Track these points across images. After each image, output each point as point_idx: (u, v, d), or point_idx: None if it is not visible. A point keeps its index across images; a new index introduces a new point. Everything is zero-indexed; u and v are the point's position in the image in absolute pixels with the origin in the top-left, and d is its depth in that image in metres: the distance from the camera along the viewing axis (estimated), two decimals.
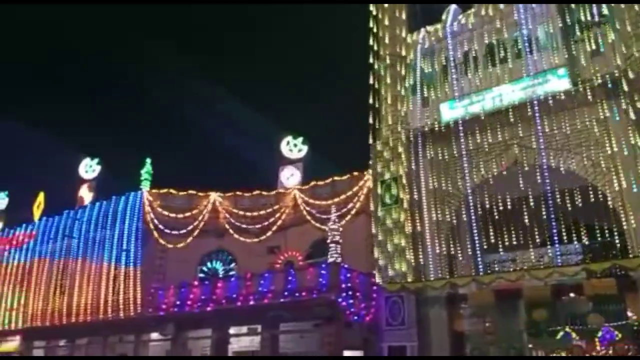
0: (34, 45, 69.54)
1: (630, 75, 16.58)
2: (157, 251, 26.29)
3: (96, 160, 30.16)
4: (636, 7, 17.09)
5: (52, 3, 57.60)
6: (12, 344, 29.45)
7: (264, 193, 26.37)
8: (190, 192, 26.98)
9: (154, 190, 27.04)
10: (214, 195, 26.64)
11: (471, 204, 18.76)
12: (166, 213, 26.34)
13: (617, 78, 16.85)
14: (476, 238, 18.38)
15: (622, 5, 17.43)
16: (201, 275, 26.62)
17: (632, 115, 16.31)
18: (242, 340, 23.15)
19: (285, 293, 20.73)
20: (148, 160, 27.63)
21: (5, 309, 30.30)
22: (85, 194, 29.61)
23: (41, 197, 31.99)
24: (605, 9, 17.93)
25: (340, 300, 19.54)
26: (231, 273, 26.31)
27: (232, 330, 22.74)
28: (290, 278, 21.08)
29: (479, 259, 18.31)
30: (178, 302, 23.37)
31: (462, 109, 19.83)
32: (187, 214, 26.29)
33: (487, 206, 18.69)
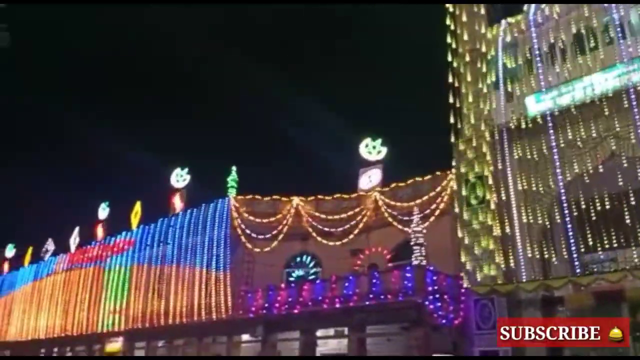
0: (125, 63, 74.43)
1: None
2: (245, 255, 27.24)
3: (186, 169, 31.76)
4: None
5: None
6: (115, 345, 31.68)
7: (345, 196, 26.57)
8: (274, 197, 27.75)
9: (239, 197, 28.07)
10: (296, 200, 27.22)
11: (565, 202, 17.77)
12: (252, 218, 27.26)
13: None
14: (572, 238, 17.38)
15: None
16: (288, 278, 27.21)
17: None
18: (329, 342, 23.44)
19: (371, 296, 20.73)
20: (234, 168, 28.76)
21: (108, 312, 32.68)
22: (177, 202, 31.26)
23: (138, 206, 34.16)
24: None
25: (427, 303, 19.25)
26: (315, 276, 26.68)
27: (319, 333, 23.08)
28: (374, 281, 21.06)
29: (576, 260, 17.31)
30: (266, 305, 24.04)
31: (550, 101, 18.89)
32: (272, 218, 27.06)
33: (583, 204, 17.62)
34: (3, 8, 11.83)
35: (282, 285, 24.65)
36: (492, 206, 19.09)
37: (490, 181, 19.39)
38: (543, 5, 20.25)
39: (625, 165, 16.98)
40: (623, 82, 17.28)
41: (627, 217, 16.77)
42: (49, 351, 38.00)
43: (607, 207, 17.10)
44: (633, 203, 16.59)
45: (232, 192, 28.23)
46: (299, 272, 27.30)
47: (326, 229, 26.18)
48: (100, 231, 36.84)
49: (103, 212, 37.23)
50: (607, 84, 17.71)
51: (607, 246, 17.43)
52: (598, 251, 17.57)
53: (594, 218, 17.30)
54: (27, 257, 43.46)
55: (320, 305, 22.19)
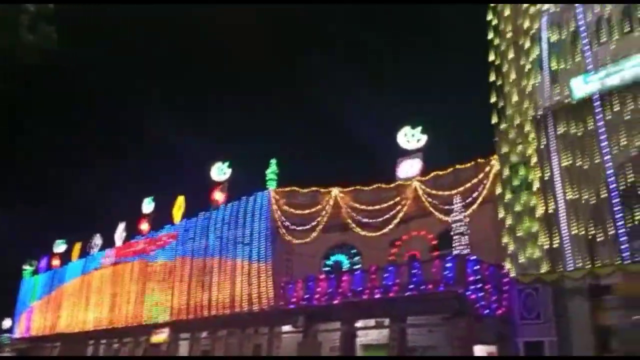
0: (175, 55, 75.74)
1: None
2: (285, 247, 27.42)
3: (227, 163, 32.19)
4: None
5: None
6: (161, 336, 32.48)
7: (384, 186, 26.32)
8: (313, 188, 27.80)
9: (279, 189, 28.27)
10: (335, 191, 27.16)
11: (613, 183, 16.99)
12: (291, 210, 27.41)
13: None
14: (619, 222, 16.60)
15: None
16: (326, 269, 27.23)
17: None
18: (370, 333, 23.32)
19: (411, 286, 20.48)
20: (273, 161, 28.95)
21: (154, 304, 33.54)
22: (218, 196, 31.74)
23: (181, 200, 34.88)
24: None
25: (468, 293, 18.86)
26: (356, 267, 26.60)
27: (359, 324, 22.99)
28: (415, 271, 20.80)
29: (624, 245, 16.50)
30: (306, 296, 24.14)
31: (597, 82, 18.02)
32: (311, 210, 27.11)
33: (632, 185, 16.81)
34: (52, 9, 12.13)
35: (322, 276, 24.66)
36: (536, 187, 18.47)
37: (535, 162, 18.78)
38: None
39: None
40: None
41: None
42: (97, 343, 39.38)
43: None
44: None
45: (272, 185, 28.46)
46: (338, 262, 27.23)
47: (365, 219, 26.02)
48: (144, 225, 37.83)
49: (148, 206, 38.20)
50: None
51: None
52: None
53: None
54: (75, 252, 45.16)
55: (360, 295, 22.09)
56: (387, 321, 21.76)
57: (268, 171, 28.66)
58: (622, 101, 17.27)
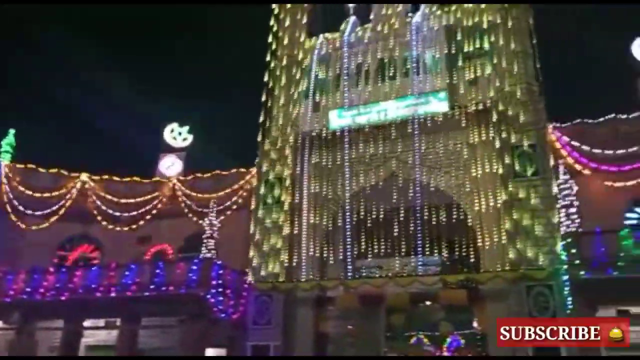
0: None
1: (500, 107, 18.16)
2: (12, 232, 23.85)
3: None
4: (512, 45, 18.77)
5: None
6: None
7: (140, 180, 25.05)
8: (58, 170, 24.88)
9: (13, 165, 24.55)
10: (83, 177, 24.79)
11: (347, 210, 19.35)
12: (26, 191, 24.04)
13: (489, 108, 18.39)
14: (348, 244, 18.96)
15: (501, 42, 19.01)
16: (61, 262, 24.54)
17: (497, 144, 17.90)
18: (97, 334, 21.83)
19: (152, 287, 19.83)
20: (12, 131, 25.04)
21: None
22: None
23: None
24: (486, 43, 19.49)
25: (209, 296, 19.09)
26: (95, 262, 24.58)
27: (87, 323, 21.37)
28: (158, 271, 20.20)
29: (349, 264, 18.89)
30: (28, 289, 21.37)
31: (349, 118, 20.44)
32: (51, 194, 24.20)
33: (362, 214, 19.41)
34: None
35: (51, 269, 22.12)
36: (286, 207, 19.87)
37: (288, 183, 20.24)
38: (358, 29, 21.88)
39: (401, 184, 19.14)
40: (411, 112, 19.45)
41: (395, 230, 18.91)
42: None
43: (381, 219, 19.11)
44: (402, 219, 18.78)
45: (5, 158, 24.56)
46: (74, 256, 24.81)
47: (114, 212, 24.34)
48: None
49: None
50: (398, 112, 19.78)
51: (375, 254, 19.43)
52: (368, 257, 19.48)
53: (369, 226, 19.19)
54: None
55: (93, 293, 20.49)
56: (118, 321, 20.63)
57: (3, 142, 24.67)
58: (365, 140, 19.86)
